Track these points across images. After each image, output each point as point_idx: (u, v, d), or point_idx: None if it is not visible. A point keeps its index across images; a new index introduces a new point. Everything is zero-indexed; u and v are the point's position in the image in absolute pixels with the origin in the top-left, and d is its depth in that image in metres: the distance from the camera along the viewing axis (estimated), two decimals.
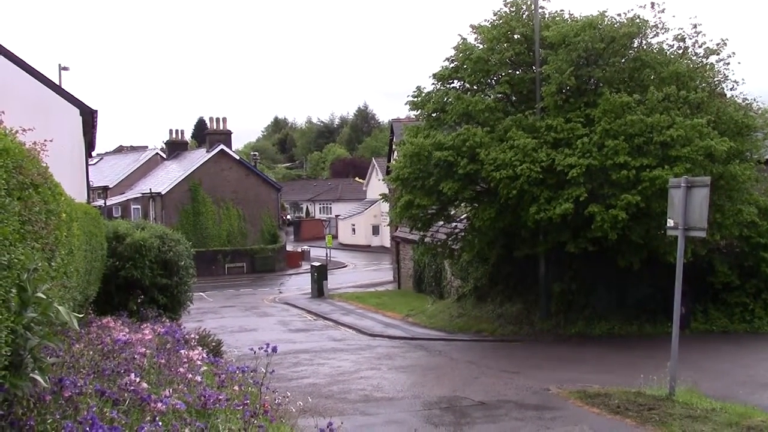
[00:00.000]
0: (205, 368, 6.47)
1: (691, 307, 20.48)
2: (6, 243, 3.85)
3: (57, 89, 20.72)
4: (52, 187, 6.33)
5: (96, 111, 20.77)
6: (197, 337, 10.00)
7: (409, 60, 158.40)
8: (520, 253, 20.93)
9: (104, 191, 52.59)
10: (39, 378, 3.79)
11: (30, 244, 4.92)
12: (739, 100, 20.94)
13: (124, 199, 53.09)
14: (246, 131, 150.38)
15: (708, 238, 16.64)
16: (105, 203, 48.46)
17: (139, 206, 51.78)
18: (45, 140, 7.57)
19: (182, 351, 6.61)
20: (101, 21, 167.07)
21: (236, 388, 5.97)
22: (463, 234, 22.99)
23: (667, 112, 18.65)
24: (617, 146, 18.22)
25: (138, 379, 4.88)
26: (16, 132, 5.92)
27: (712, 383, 12.99)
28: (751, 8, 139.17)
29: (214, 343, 11.54)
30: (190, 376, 5.76)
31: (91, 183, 29.94)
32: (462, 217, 23.59)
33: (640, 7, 20.72)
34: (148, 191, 49.89)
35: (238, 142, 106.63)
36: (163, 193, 48.53)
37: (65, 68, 30.81)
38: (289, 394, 7.07)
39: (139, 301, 13.16)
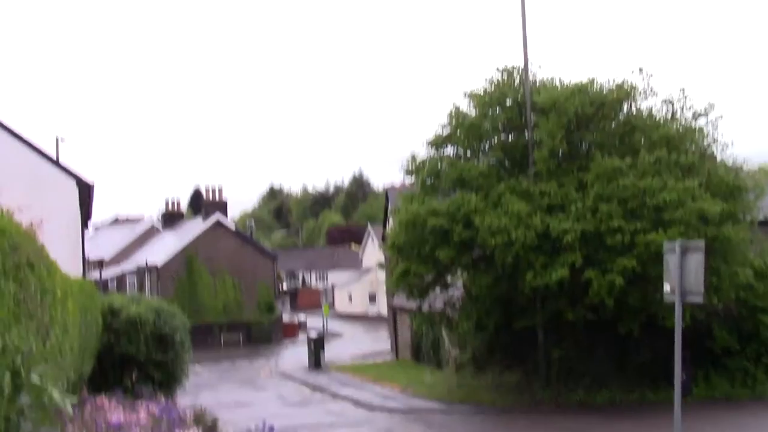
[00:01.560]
0: None
1: (693, 372, 20.24)
2: (1, 327, 3.82)
3: (54, 162, 20.89)
4: (48, 266, 6.33)
5: (93, 184, 20.88)
6: (193, 415, 9.83)
7: (404, 126, 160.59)
8: (519, 324, 20.76)
9: (100, 264, 52.33)
10: None
11: (24, 326, 4.89)
12: (729, 163, 21.18)
13: (120, 271, 52.90)
14: (242, 200, 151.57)
15: (705, 302, 16.58)
16: (101, 276, 48.19)
17: (135, 278, 51.54)
18: (42, 219, 7.59)
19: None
20: (98, 91, 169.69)
21: None
22: (460, 302, 22.88)
23: (658, 176, 18.83)
24: (611, 210, 18.34)
25: None
26: (13, 212, 5.94)
27: None
28: (736, 72, 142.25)
29: (210, 422, 11.33)
30: None
31: (86, 256, 29.86)
32: (459, 284, 23.52)
33: (630, 72, 21.18)
34: (144, 263, 49.74)
35: (234, 211, 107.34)
36: (159, 265, 48.39)
37: (62, 140, 31.14)
38: None
39: (134, 377, 12.99)
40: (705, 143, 21.16)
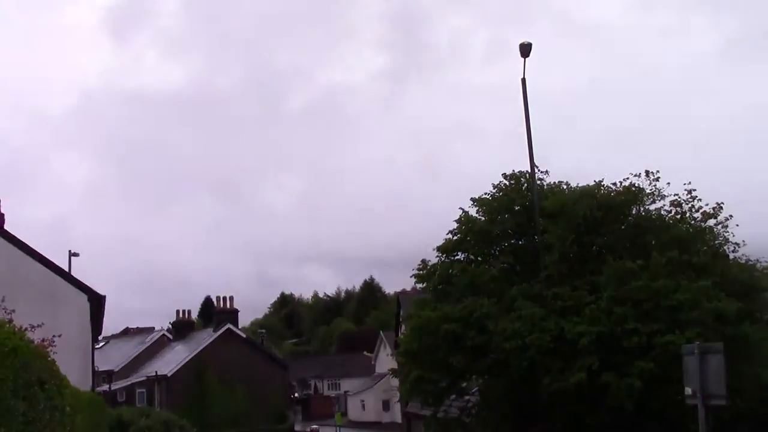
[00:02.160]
0: None
1: None
2: None
3: (66, 276, 21.10)
4: (58, 382, 6.27)
5: (104, 296, 20.97)
6: None
7: (414, 231, 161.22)
8: (538, 429, 20.18)
9: (109, 375, 51.83)
10: None
11: None
12: (743, 261, 21.07)
13: (129, 383, 52.19)
14: (253, 307, 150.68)
15: (728, 404, 16.14)
16: (110, 388, 47.61)
17: (144, 390, 50.76)
18: (53, 336, 7.59)
19: None
20: (110, 205, 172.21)
21: None
22: (476, 408, 22.35)
23: (671, 276, 18.72)
24: (625, 312, 18.14)
25: None
26: (26, 329, 5.95)
27: None
28: (743, 170, 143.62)
29: None
30: None
31: (96, 368, 29.58)
32: (474, 390, 23.04)
33: (635, 175, 21.38)
34: (154, 374, 49.13)
35: (245, 319, 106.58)
36: (168, 375, 47.77)
37: (75, 254, 31.41)
38: None
39: None
40: (716, 243, 21.13)
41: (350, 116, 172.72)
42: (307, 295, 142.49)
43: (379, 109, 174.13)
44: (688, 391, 11.29)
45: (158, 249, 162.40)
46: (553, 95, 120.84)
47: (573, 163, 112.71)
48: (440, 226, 25.37)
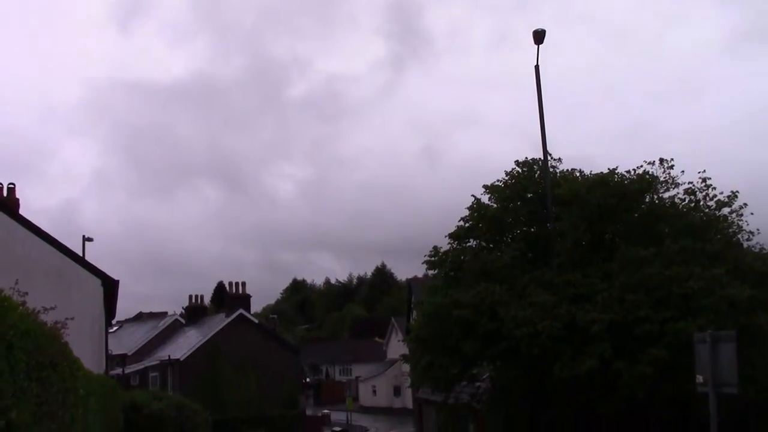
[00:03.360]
0: None
1: None
2: (23, 427, 3.79)
3: (80, 261, 21.20)
4: (71, 365, 6.32)
5: (117, 281, 21.09)
6: None
7: (426, 218, 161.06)
8: (548, 417, 20.22)
9: (123, 359, 52.18)
10: None
11: (46, 426, 4.84)
12: (756, 250, 20.94)
13: (142, 367, 52.56)
14: (264, 294, 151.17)
15: (741, 393, 16.09)
16: (123, 371, 47.99)
17: (157, 373, 51.13)
18: (66, 318, 7.64)
19: None
20: (123, 189, 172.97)
21: None
22: (487, 395, 22.38)
23: (684, 264, 18.63)
24: (638, 300, 18.08)
25: None
26: (39, 312, 5.99)
27: None
28: (759, 158, 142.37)
29: None
30: None
31: (110, 351, 29.81)
32: (485, 376, 23.07)
33: (649, 163, 21.25)
34: (167, 358, 49.46)
35: (257, 305, 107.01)
36: (181, 359, 48.08)
37: (89, 239, 31.58)
38: None
39: None
40: (730, 231, 21.00)
41: (351, 104, 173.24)
42: (319, 281, 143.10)
43: (379, 97, 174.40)
44: (700, 379, 11.25)
45: (167, 236, 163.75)
46: (559, 83, 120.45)
47: (581, 152, 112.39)
48: (442, 213, 25.43)
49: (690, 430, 19.45)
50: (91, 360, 12.93)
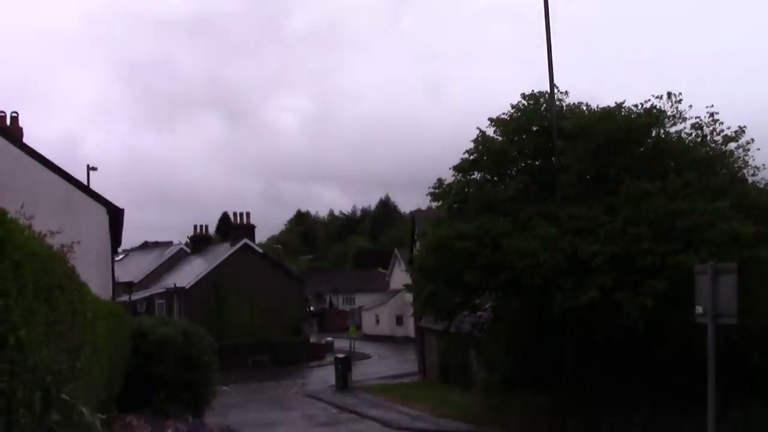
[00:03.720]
0: None
1: (728, 396, 19.82)
2: (32, 345, 3.87)
3: (85, 189, 21.25)
4: (78, 288, 6.41)
5: (122, 209, 21.17)
6: None
7: (430, 151, 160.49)
8: (548, 346, 20.56)
9: (129, 287, 52.89)
10: None
11: (55, 345, 4.95)
12: (761, 185, 20.90)
13: (149, 294, 53.35)
14: (269, 224, 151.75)
15: (740, 324, 16.29)
16: (130, 298, 48.67)
17: (163, 301, 51.93)
18: (72, 242, 7.70)
19: None
20: (128, 119, 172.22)
21: None
22: (488, 324, 22.72)
23: (688, 198, 18.63)
24: (640, 233, 18.15)
25: None
26: (45, 235, 6.04)
27: None
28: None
29: None
30: None
31: (116, 279, 30.19)
32: (487, 307, 23.38)
33: (657, 97, 21.02)
34: (173, 286, 50.13)
35: (262, 236, 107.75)
36: (187, 287, 48.74)
37: (94, 168, 31.58)
38: None
39: (162, 397, 13.05)
40: (736, 166, 20.92)
41: (354, 36, 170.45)
42: (323, 213, 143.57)
43: (383, 29, 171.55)
44: (699, 309, 11.38)
45: (171, 168, 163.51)
46: (567, 15, 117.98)
47: (589, 85, 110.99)
48: (447, 146, 25.38)
49: (688, 361, 19.79)
50: (98, 286, 13.09)
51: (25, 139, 20.86)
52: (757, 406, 20.27)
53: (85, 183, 24.01)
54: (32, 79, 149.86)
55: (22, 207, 6.99)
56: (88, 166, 30.40)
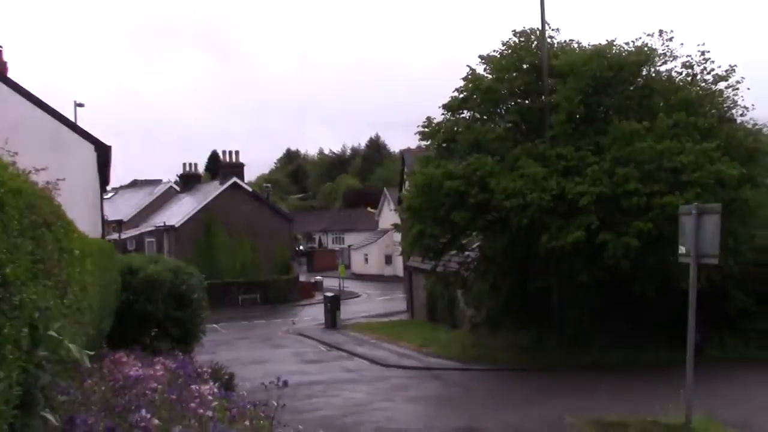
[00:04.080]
0: (217, 403, 6.48)
1: (707, 334, 20.25)
2: (18, 283, 3.91)
3: (72, 126, 21.00)
4: (65, 225, 6.41)
5: (110, 147, 20.99)
6: (210, 370, 10.02)
7: (419, 89, 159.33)
8: (534, 285, 20.84)
9: (119, 225, 52.91)
10: (50, 417, 3.82)
11: (42, 283, 4.99)
12: (749, 126, 20.94)
13: (139, 232, 53.40)
14: (258, 163, 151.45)
15: (721, 264, 16.53)
16: (120, 237, 48.75)
17: (153, 239, 52.04)
18: (58, 179, 7.68)
19: (194, 386, 6.63)
20: (116, 58, 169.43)
21: (247, 423, 5.97)
22: (475, 263, 22.95)
23: (676, 139, 18.68)
24: (627, 173, 18.24)
25: (149, 416, 4.89)
26: (29, 172, 6.02)
27: (729, 410, 12.85)
28: (760, 32, 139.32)
29: (226, 377, 11.54)
30: (201, 411, 5.77)
31: (105, 217, 30.16)
32: (474, 246, 23.58)
33: (648, 35, 20.87)
34: (162, 224, 50.18)
35: (251, 174, 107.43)
36: (176, 225, 48.79)
37: (80, 105, 31.28)
38: (301, 427, 7.04)
39: (152, 334, 13.19)
40: (725, 107, 20.92)
41: None
42: (312, 151, 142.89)
43: None
44: (682, 249, 11.50)
45: (159, 106, 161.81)
46: None
47: (585, 19, 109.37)
48: (447, 85, 25.02)
49: (669, 299, 20.13)
50: (87, 224, 13.08)
51: (10, 75, 20.52)
52: (734, 344, 20.75)
53: (72, 120, 23.74)
54: (17, 17, 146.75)
55: (6, 143, 6.94)
56: (74, 102, 30.12)
